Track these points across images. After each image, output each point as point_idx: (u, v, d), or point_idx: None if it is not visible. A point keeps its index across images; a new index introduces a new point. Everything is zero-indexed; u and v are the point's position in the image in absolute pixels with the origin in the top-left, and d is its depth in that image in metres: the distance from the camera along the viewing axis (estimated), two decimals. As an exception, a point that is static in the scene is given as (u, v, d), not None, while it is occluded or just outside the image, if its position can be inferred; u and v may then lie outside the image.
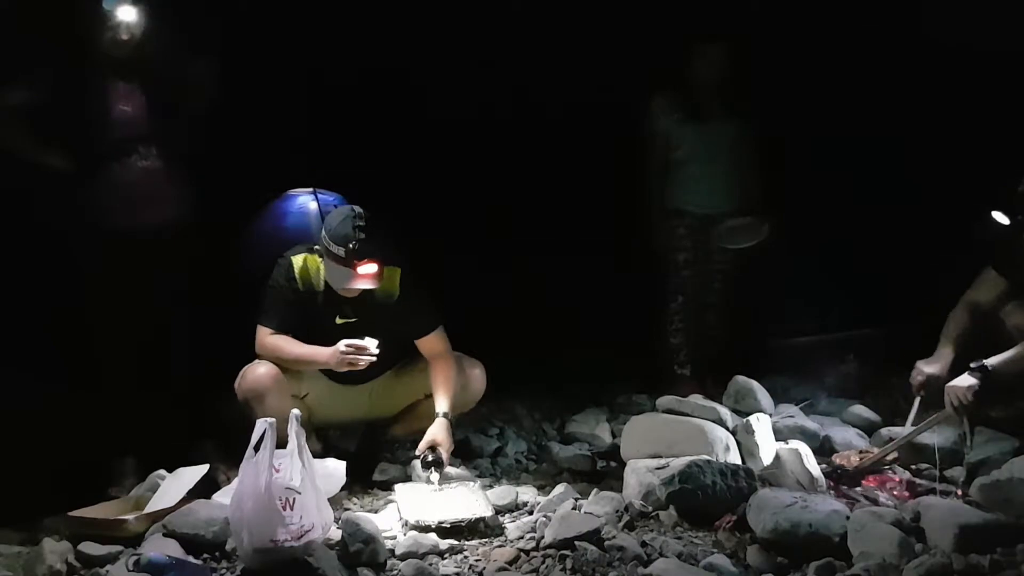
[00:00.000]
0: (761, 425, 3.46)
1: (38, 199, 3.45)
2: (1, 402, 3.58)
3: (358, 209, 3.22)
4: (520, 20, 4.84)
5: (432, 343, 3.41)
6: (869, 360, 4.66)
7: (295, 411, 2.81)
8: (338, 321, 3.30)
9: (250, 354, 3.33)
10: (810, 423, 3.72)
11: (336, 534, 2.75)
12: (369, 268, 3.17)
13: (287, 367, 3.27)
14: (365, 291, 3.29)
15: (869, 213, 4.87)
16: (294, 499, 2.63)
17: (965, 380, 3.18)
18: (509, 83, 5.01)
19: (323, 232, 3.23)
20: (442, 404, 3.32)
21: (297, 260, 3.32)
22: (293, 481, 2.66)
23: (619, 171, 4.71)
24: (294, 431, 2.75)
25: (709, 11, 4.55)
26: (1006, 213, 3.37)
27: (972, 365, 3.19)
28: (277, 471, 2.64)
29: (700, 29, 4.40)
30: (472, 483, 3.23)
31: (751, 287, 4.62)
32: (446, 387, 3.36)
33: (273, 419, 2.66)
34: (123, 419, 3.44)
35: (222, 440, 3.55)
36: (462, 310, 4.62)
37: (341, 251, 3.16)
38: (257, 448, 2.63)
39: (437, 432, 3.26)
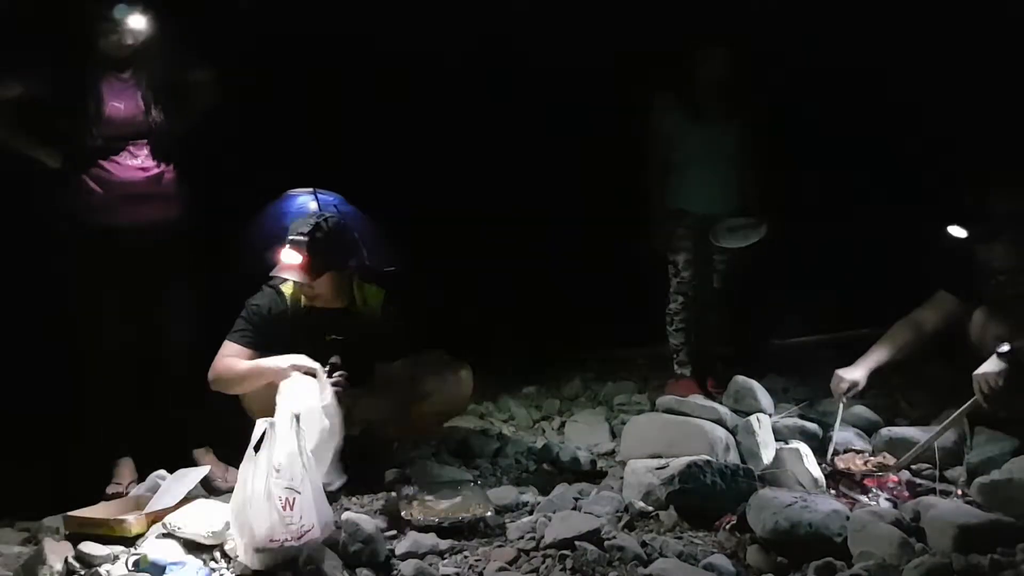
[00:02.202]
0: (761, 425, 3.46)
1: (27, 196, 3.45)
2: (2, 403, 3.59)
3: (332, 214, 3.38)
4: (522, 20, 4.84)
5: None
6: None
7: (295, 411, 2.81)
8: (328, 339, 3.33)
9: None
10: (810, 423, 3.72)
11: (336, 534, 2.75)
12: (291, 256, 3.24)
13: (238, 389, 3.29)
14: (352, 310, 3.37)
15: (869, 213, 4.88)
16: (294, 499, 2.63)
17: (993, 365, 3.14)
18: (510, 83, 5.02)
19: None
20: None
21: (287, 286, 3.40)
22: (293, 481, 2.66)
23: (620, 171, 4.72)
24: (294, 431, 2.75)
25: (710, 12, 4.55)
26: (963, 226, 3.39)
27: (1000, 351, 3.15)
28: (277, 471, 2.65)
29: (701, 30, 4.40)
30: (472, 483, 3.23)
31: (751, 287, 4.62)
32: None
33: (273, 419, 2.66)
34: (122, 420, 3.44)
35: (219, 441, 3.56)
36: (463, 310, 4.64)
37: (288, 235, 3.28)
38: (257, 448, 2.63)
39: None
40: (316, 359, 3.29)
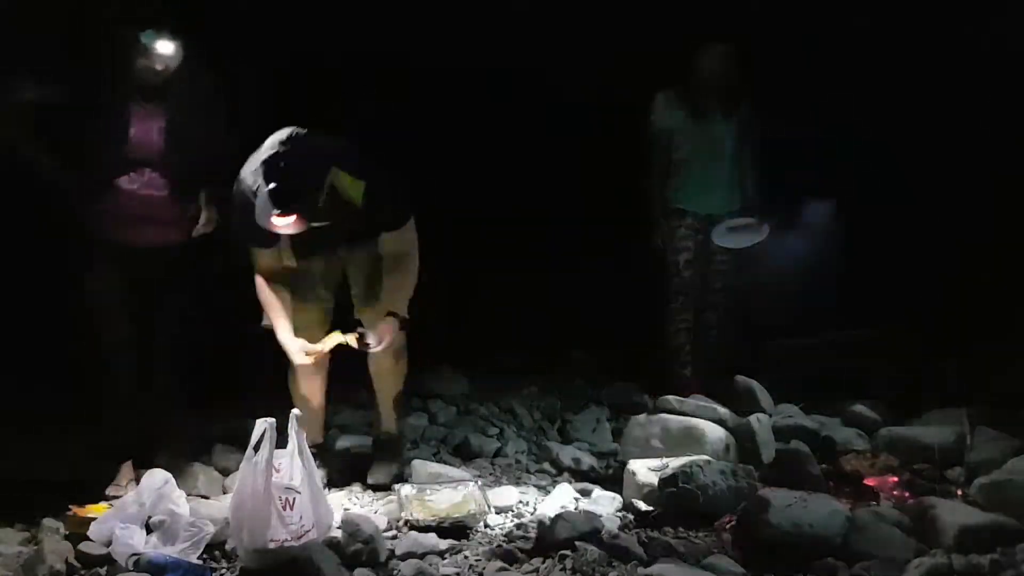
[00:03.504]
0: (761, 425, 3.47)
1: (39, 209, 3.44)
2: (2, 403, 3.59)
3: (289, 142, 3.02)
4: (521, 19, 4.83)
5: (388, 244, 3.30)
6: (869, 360, 4.67)
7: (295, 411, 2.81)
8: (313, 225, 3.11)
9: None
10: (810, 423, 3.72)
11: (336, 534, 2.75)
12: (284, 221, 2.95)
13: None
14: (333, 196, 3.12)
15: (869, 213, 4.87)
16: (294, 499, 2.63)
17: None
18: (509, 82, 5.01)
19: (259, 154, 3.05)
20: (391, 303, 3.23)
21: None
22: (293, 481, 2.66)
23: (621, 171, 4.72)
24: (294, 431, 2.75)
25: (711, 11, 4.55)
26: None
27: None
28: (277, 471, 2.65)
29: (702, 29, 4.40)
30: (472, 483, 3.23)
31: (752, 287, 4.62)
32: (394, 286, 3.26)
33: (273, 420, 2.66)
34: (123, 421, 3.44)
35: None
36: (463, 309, 4.64)
37: (265, 188, 2.93)
38: (257, 448, 2.63)
39: (381, 327, 3.19)
40: (301, 250, 3.22)
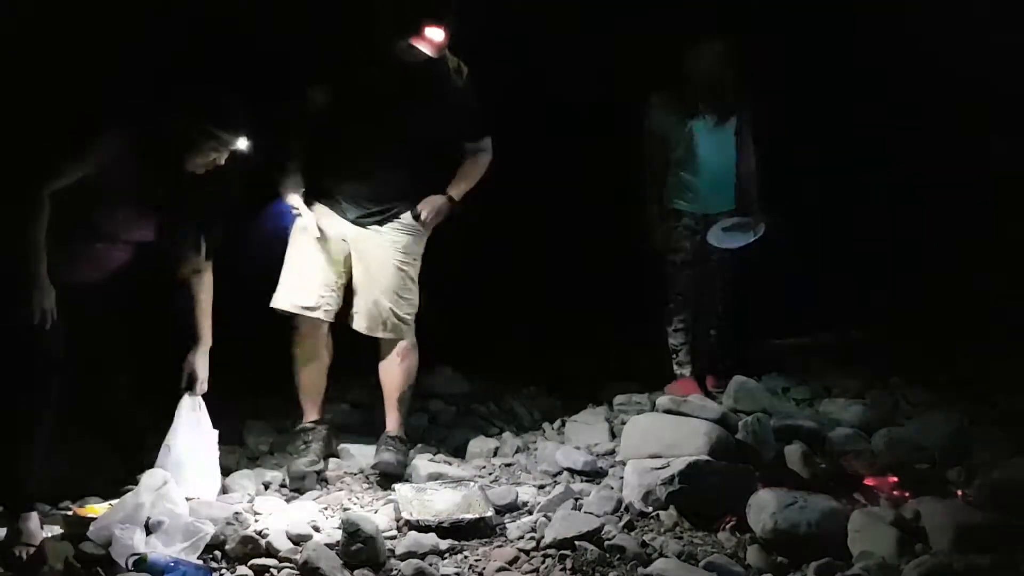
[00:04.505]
0: (761, 425, 3.46)
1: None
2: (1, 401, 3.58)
3: None
4: (517, 17, 4.83)
5: (468, 146, 3.51)
6: (869, 360, 4.68)
7: (186, 396, 3.08)
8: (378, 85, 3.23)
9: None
10: (810, 423, 3.72)
11: (335, 534, 2.76)
12: (435, 33, 3.09)
13: None
14: (427, 69, 3.23)
15: (867, 213, 4.88)
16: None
17: None
18: (507, 81, 5.01)
19: None
20: (452, 188, 3.47)
21: None
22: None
23: (619, 171, 4.72)
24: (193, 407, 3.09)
25: (708, 10, 4.54)
26: None
27: None
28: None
29: (699, 28, 4.39)
30: (472, 483, 3.23)
31: (751, 287, 4.62)
32: (464, 178, 3.49)
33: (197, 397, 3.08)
34: (123, 419, 3.43)
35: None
36: (463, 309, 4.63)
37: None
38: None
39: (431, 199, 3.42)
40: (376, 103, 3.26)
